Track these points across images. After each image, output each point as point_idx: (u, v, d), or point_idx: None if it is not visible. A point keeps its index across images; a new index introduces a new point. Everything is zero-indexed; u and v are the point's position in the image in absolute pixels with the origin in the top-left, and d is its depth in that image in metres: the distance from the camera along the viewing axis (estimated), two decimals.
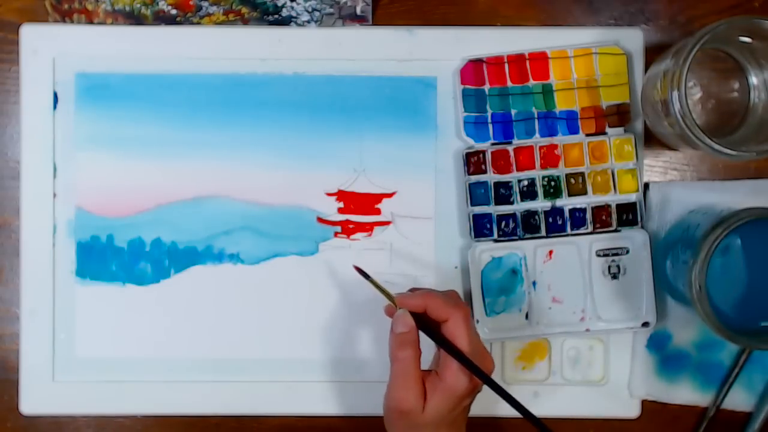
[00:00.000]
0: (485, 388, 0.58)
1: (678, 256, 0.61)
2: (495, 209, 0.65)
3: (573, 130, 0.65)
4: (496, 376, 0.65)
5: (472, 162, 0.65)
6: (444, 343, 0.56)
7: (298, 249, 0.66)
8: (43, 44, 0.65)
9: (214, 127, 0.65)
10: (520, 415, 0.58)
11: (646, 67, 0.65)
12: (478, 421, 0.66)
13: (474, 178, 0.65)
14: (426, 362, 0.58)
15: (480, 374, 0.56)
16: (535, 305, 0.65)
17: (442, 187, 0.66)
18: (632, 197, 0.65)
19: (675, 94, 0.57)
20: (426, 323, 0.57)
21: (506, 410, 0.58)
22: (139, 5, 0.66)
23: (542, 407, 0.66)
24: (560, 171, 0.65)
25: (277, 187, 0.65)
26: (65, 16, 0.66)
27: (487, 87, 0.65)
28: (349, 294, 0.65)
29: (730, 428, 0.67)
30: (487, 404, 0.66)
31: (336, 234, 0.66)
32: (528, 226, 0.65)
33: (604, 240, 0.65)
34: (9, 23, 0.66)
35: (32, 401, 0.66)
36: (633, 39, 0.65)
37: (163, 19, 0.66)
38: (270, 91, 0.65)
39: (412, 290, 0.60)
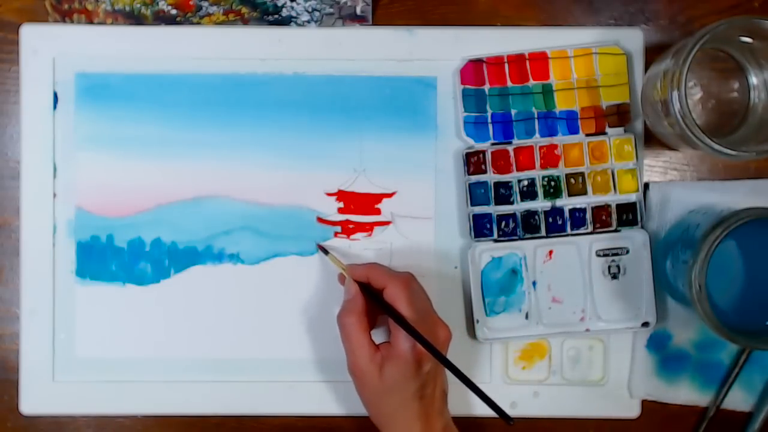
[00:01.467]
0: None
1: (678, 256, 0.61)
2: (495, 209, 0.65)
3: (573, 130, 0.65)
4: (495, 377, 0.66)
5: (472, 162, 0.65)
6: (387, 309, 0.59)
7: (298, 249, 0.66)
8: (43, 44, 0.65)
9: (214, 127, 0.65)
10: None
11: (646, 67, 0.65)
12: (468, 422, 0.66)
13: (474, 178, 0.65)
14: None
15: (416, 336, 0.57)
16: (535, 305, 0.65)
17: (442, 187, 0.66)
18: (632, 197, 0.65)
19: (675, 94, 0.57)
20: (374, 293, 0.60)
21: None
22: (139, 5, 0.66)
23: (542, 407, 0.66)
24: (560, 171, 0.65)
25: (277, 187, 0.65)
26: (65, 16, 0.66)
27: (487, 87, 0.65)
28: None
29: (730, 428, 0.67)
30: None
31: (336, 234, 0.66)
32: (528, 226, 0.65)
33: (604, 240, 0.65)
34: (9, 23, 0.66)
35: (32, 401, 0.66)
36: (633, 39, 0.65)
37: (163, 19, 0.66)
38: (270, 91, 0.65)
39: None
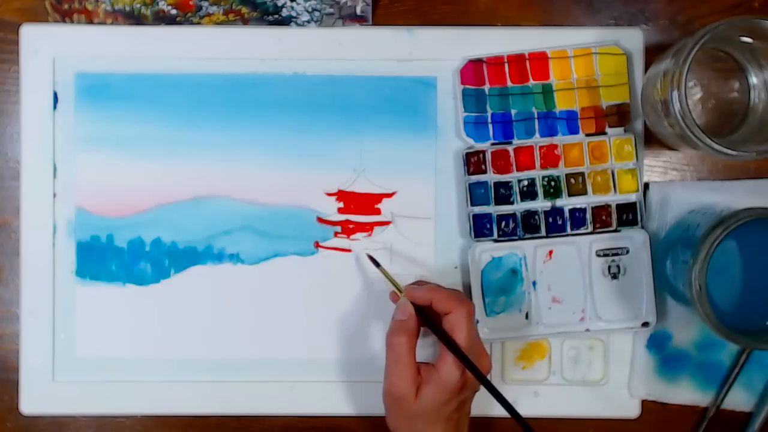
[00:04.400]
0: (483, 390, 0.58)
1: (678, 256, 0.61)
2: (495, 209, 0.65)
3: (573, 130, 0.65)
4: (495, 377, 0.66)
5: (472, 162, 0.65)
6: (442, 335, 0.58)
7: (297, 249, 0.66)
8: (43, 44, 0.65)
9: (214, 127, 0.65)
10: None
11: (646, 67, 0.65)
12: (475, 422, 0.66)
13: (474, 178, 0.65)
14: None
15: (472, 368, 0.57)
16: (535, 305, 0.65)
17: (442, 187, 0.66)
18: (632, 197, 0.65)
19: (675, 94, 0.57)
20: (428, 315, 0.59)
21: (502, 410, 0.58)
22: (139, 5, 0.66)
23: (542, 407, 0.66)
24: (560, 171, 0.65)
25: (277, 187, 0.65)
26: (65, 16, 0.66)
27: (487, 87, 0.65)
28: (348, 294, 0.65)
29: (730, 428, 0.67)
30: (482, 404, 0.66)
31: (336, 234, 0.66)
32: (528, 226, 0.65)
33: (604, 240, 0.65)
34: (9, 23, 0.66)
35: (32, 401, 0.66)
36: (633, 39, 0.65)
37: (163, 19, 0.66)
38: (270, 91, 0.65)
39: (419, 283, 0.64)
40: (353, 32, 0.66)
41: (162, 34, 0.65)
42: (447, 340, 0.58)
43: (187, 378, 0.66)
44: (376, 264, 0.63)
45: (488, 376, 0.59)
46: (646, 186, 0.66)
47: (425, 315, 0.60)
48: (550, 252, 0.65)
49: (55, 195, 0.65)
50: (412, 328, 0.59)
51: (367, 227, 0.66)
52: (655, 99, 0.60)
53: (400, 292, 0.61)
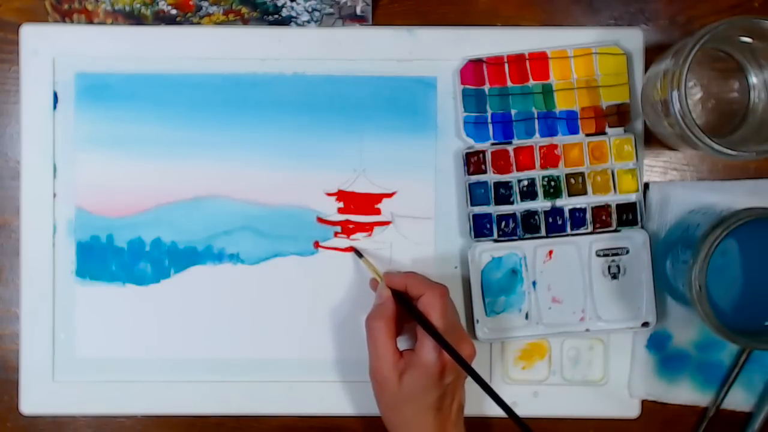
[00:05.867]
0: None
1: (678, 256, 0.61)
2: (495, 209, 0.65)
3: (573, 130, 0.65)
4: (495, 377, 0.66)
5: (472, 162, 0.65)
6: (417, 317, 0.59)
7: (297, 249, 0.66)
8: (43, 44, 0.65)
9: (214, 127, 0.65)
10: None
11: (646, 67, 0.65)
12: (473, 422, 0.66)
13: (474, 178, 0.65)
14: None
15: (447, 346, 0.57)
16: (535, 305, 0.65)
17: (442, 187, 0.66)
18: (632, 197, 0.65)
19: (675, 94, 0.57)
20: (405, 300, 0.61)
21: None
22: (139, 5, 0.66)
23: (542, 407, 0.66)
24: (560, 171, 0.65)
25: (277, 187, 0.65)
26: (65, 16, 0.66)
27: (487, 87, 0.65)
28: (348, 294, 0.65)
29: (730, 428, 0.67)
30: (479, 404, 0.66)
31: (336, 234, 0.66)
32: (528, 226, 0.65)
33: (604, 240, 0.65)
34: (9, 23, 0.66)
35: (32, 401, 0.66)
36: (633, 39, 0.65)
37: (163, 19, 0.66)
38: (270, 91, 0.65)
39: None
40: (353, 32, 0.66)
41: (162, 34, 0.65)
42: (422, 321, 0.58)
43: (187, 378, 0.66)
44: (359, 255, 0.64)
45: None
46: (646, 186, 0.66)
47: (403, 298, 0.61)
48: (550, 252, 0.65)
49: (55, 195, 0.65)
50: (390, 312, 0.60)
51: (367, 227, 0.66)
52: (655, 99, 0.60)
53: (380, 278, 0.62)
